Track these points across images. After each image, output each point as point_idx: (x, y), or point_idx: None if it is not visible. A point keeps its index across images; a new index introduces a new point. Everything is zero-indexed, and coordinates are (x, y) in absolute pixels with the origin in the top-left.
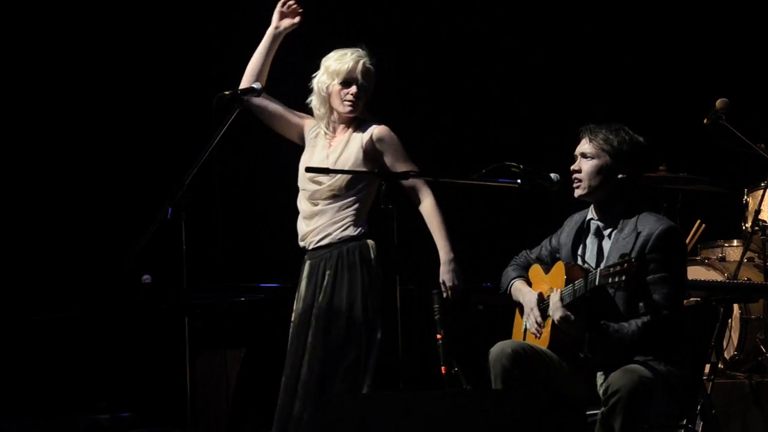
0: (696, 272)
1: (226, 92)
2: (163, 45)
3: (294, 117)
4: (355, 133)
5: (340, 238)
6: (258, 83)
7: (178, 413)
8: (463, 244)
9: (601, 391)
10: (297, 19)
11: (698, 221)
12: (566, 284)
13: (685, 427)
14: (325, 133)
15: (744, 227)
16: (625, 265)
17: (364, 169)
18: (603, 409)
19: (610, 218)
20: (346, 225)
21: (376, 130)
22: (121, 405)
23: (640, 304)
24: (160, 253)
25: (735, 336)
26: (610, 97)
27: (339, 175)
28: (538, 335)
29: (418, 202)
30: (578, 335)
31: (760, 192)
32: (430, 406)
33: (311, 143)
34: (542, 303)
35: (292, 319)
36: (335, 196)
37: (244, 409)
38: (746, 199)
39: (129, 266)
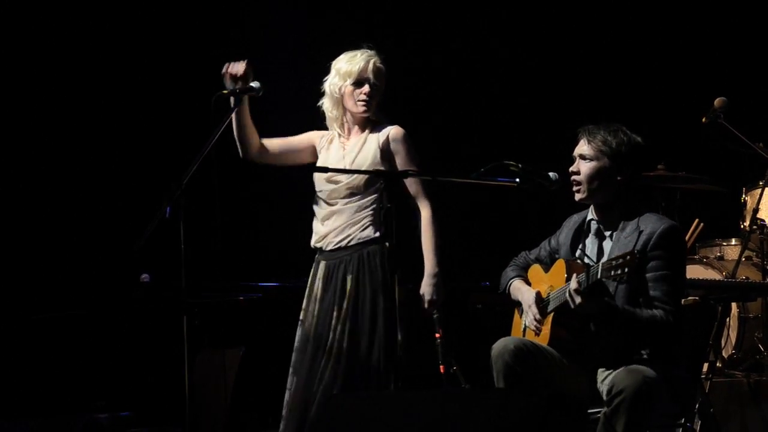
0: (694, 271)
1: (225, 91)
2: (162, 45)
3: (299, 141)
4: (371, 134)
5: (359, 239)
6: (257, 82)
7: (176, 412)
8: (462, 244)
9: (602, 389)
10: (243, 68)
11: (696, 220)
12: (568, 280)
13: (684, 425)
14: (339, 135)
15: (742, 226)
16: (628, 257)
17: (367, 169)
18: (606, 409)
19: (611, 220)
20: (365, 225)
21: (392, 131)
22: (120, 404)
23: (640, 300)
24: (158, 253)
25: (733, 335)
26: (608, 96)
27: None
28: (538, 332)
29: (419, 212)
30: (592, 310)
31: (759, 191)
32: (429, 405)
33: (325, 148)
34: (541, 302)
35: (301, 317)
36: (353, 195)
37: (243, 409)
38: (744, 198)
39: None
